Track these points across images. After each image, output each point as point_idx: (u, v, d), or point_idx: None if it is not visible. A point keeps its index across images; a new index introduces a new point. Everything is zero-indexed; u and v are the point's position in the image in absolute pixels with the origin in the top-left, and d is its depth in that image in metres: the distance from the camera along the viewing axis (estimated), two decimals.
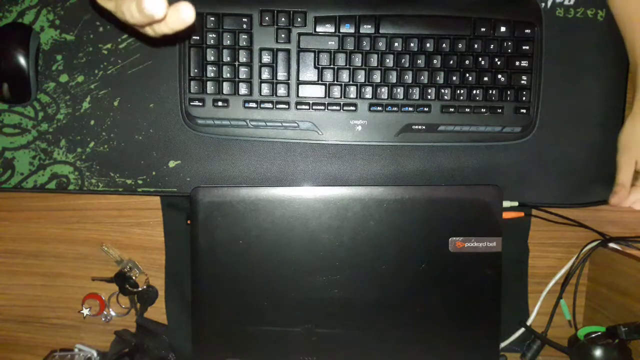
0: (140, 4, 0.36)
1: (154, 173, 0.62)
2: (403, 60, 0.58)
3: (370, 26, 0.58)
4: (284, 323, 0.59)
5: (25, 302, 0.68)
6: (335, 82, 0.59)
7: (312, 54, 0.58)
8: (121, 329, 0.67)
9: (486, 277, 0.59)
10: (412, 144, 0.62)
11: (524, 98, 0.59)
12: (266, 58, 0.58)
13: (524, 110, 0.59)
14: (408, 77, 0.58)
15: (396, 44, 0.58)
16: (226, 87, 0.58)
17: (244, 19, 0.57)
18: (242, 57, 0.58)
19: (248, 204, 0.58)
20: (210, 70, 0.58)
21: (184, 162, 0.62)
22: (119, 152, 0.62)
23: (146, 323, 0.66)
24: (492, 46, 0.58)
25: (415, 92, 0.59)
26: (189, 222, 0.59)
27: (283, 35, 0.58)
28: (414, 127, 0.59)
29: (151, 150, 0.62)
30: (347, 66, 0.58)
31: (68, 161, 0.62)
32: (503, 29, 0.58)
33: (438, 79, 0.59)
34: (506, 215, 0.61)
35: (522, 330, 0.65)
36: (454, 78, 0.59)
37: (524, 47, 0.58)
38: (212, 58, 0.58)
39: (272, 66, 0.58)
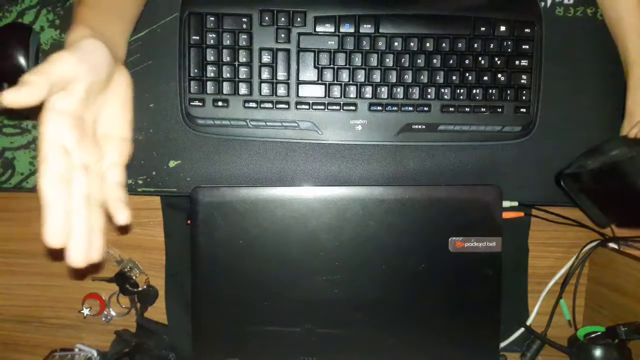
0: None
1: (154, 173, 0.62)
2: (403, 59, 0.58)
3: (370, 26, 0.58)
4: (284, 323, 0.59)
5: (25, 302, 0.68)
6: (335, 81, 0.59)
7: (312, 54, 0.58)
8: (121, 329, 0.67)
9: (486, 277, 0.59)
10: (412, 144, 0.62)
11: (523, 97, 0.59)
12: (266, 58, 0.58)
13: (524, 110, 0.59)
14: (408, 77, 0.58)
15: (396, 44, 0.58)
16: (226, 87, 0.58)
17: (243, 19, 0.57)
18: (242, 57, 0.58)
19: (248, 204, 0.57)
20: (210, 70, 0.58)
21: (184, 162, 0.62)
22: None
23: (146, 323, 0.66)
24: (492, 45, 0.58)
25: (415, 92, 0.59)
26: (189, 222, 0.59)
27: (283, 35, 0.58)
28: (414, 126, 0.59)
29: (151, 150, 0.62)
30: (347, 66, 0.58)
31: None
32: (503, 28, 0.58)
33: (438, 78, 0.59)
34: (506, 215, 0.61)
35: (522, 330, 0.65)
36: (454, 77, 0.58)
37: (523, 47, 0.58)
38: (212, 58, 0.58)
39: (272, 66, 0.58)
